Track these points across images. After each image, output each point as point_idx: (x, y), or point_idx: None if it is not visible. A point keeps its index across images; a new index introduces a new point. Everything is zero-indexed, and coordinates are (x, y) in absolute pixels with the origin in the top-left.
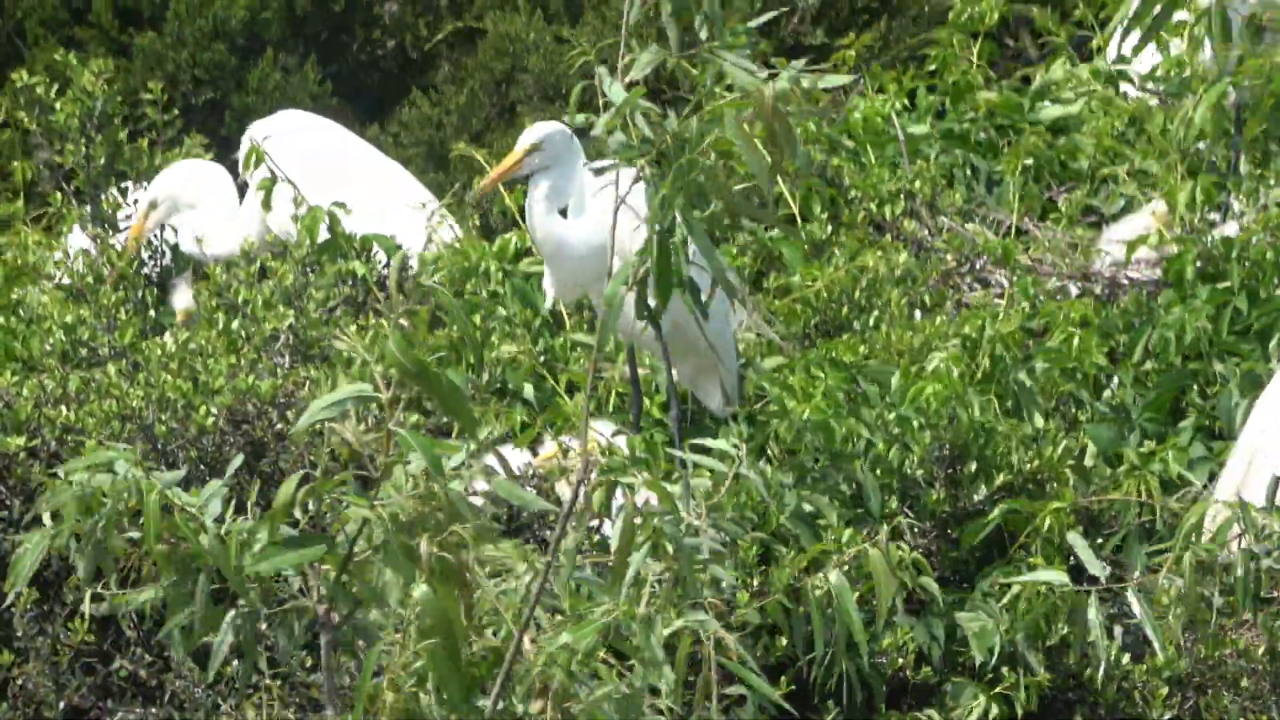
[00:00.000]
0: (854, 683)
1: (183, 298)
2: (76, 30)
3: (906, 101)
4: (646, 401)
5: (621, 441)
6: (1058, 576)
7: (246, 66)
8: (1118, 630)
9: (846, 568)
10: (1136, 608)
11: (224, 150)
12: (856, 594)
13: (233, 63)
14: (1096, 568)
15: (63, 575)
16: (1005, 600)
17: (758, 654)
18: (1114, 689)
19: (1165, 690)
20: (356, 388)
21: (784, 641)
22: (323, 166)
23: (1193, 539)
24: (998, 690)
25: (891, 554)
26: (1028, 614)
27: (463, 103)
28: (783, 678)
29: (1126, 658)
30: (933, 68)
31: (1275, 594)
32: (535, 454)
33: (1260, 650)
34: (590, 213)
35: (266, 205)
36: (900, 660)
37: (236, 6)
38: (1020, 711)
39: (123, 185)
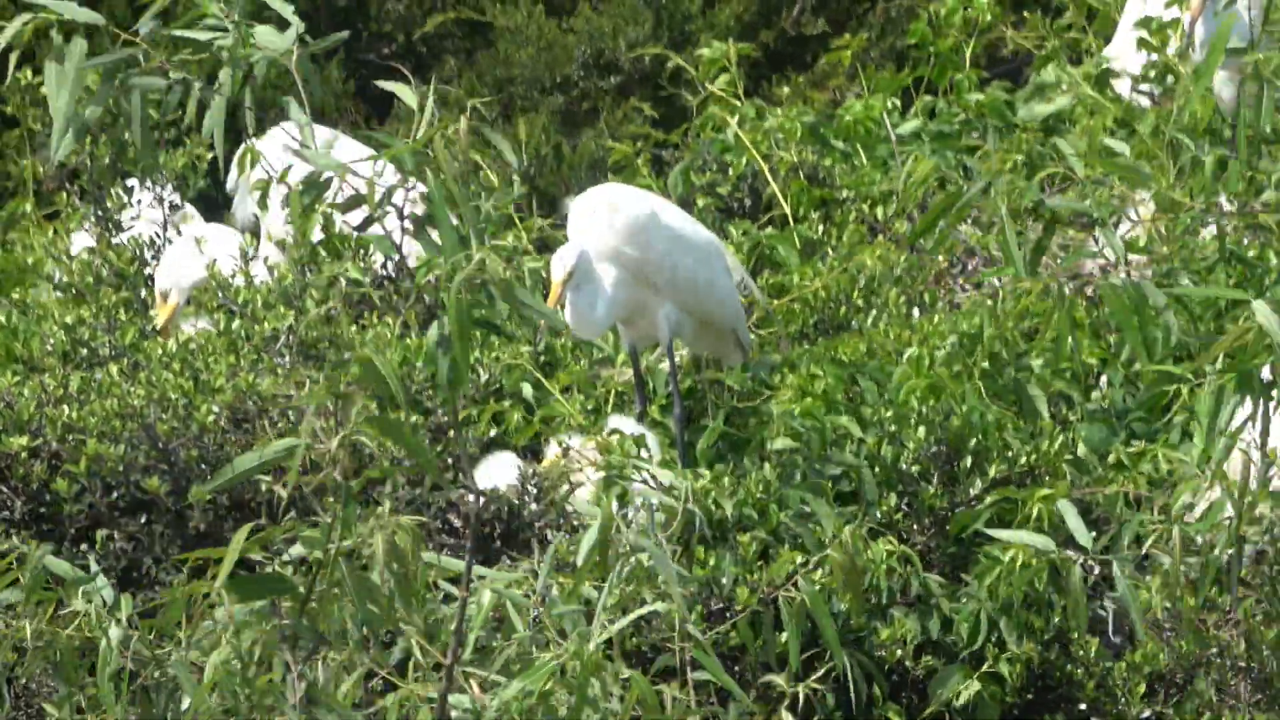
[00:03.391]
0: (856, 677)
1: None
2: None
3: (898, 102)
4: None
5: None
6: (1042, 540)
7: None
8: (1107, 605)
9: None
10: (1119, 580)
11: (236, 147)
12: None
13: None
14: (1084, 536)
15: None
16: (988, 579)
17: (758, 650)
18: (1093, 685)
19: (1143, 687)
20: (285, 443)
21: (784, 638)
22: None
23: (1181, 517)
24: (983, 670)
25: (878, 548)
26: (1008, 588)
27: (459, 98)
28: (781, 676)
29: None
30: (920, 53)
31: (1252, 593)
32: (538, 458)
33: (1240, 647)
34: (597, 289)
35: (263, 206)
36: (899, 652)
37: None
38: (1010, 688)
39: (128, 184)
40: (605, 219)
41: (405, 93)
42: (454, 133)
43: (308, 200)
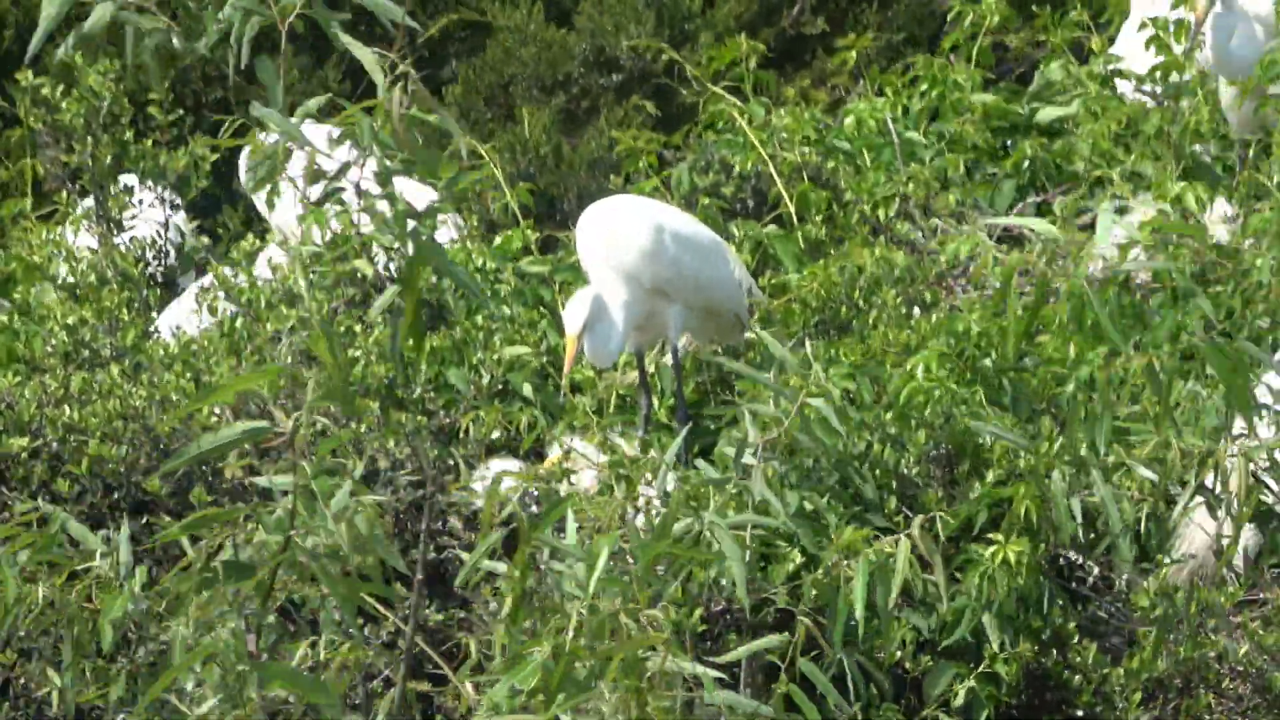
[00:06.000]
0: (856, 677)
1: None
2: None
3: (903, 102)
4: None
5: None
6: (1017, 437)
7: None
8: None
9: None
10: (1099, 488)
11: (237, 149)
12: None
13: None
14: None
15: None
16: (974, 575)
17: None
18: (1090, 691)
19: (1139, 695)
20: (247, 425)
21: (785, 636)
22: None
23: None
24: (979, 670)
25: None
26: (992, 585)
27: (461, 97)
28: (782, 677)
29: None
30: (920, 74)
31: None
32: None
33: (1241, 652)
34: (608, 323)
35: (270, 205)
36: (899, 653)
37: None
38: (1007, 688)
39: (128, 185)
40: (612, 237)
41: (364, 53)
42: (397, 100)
43: (262, 172)
